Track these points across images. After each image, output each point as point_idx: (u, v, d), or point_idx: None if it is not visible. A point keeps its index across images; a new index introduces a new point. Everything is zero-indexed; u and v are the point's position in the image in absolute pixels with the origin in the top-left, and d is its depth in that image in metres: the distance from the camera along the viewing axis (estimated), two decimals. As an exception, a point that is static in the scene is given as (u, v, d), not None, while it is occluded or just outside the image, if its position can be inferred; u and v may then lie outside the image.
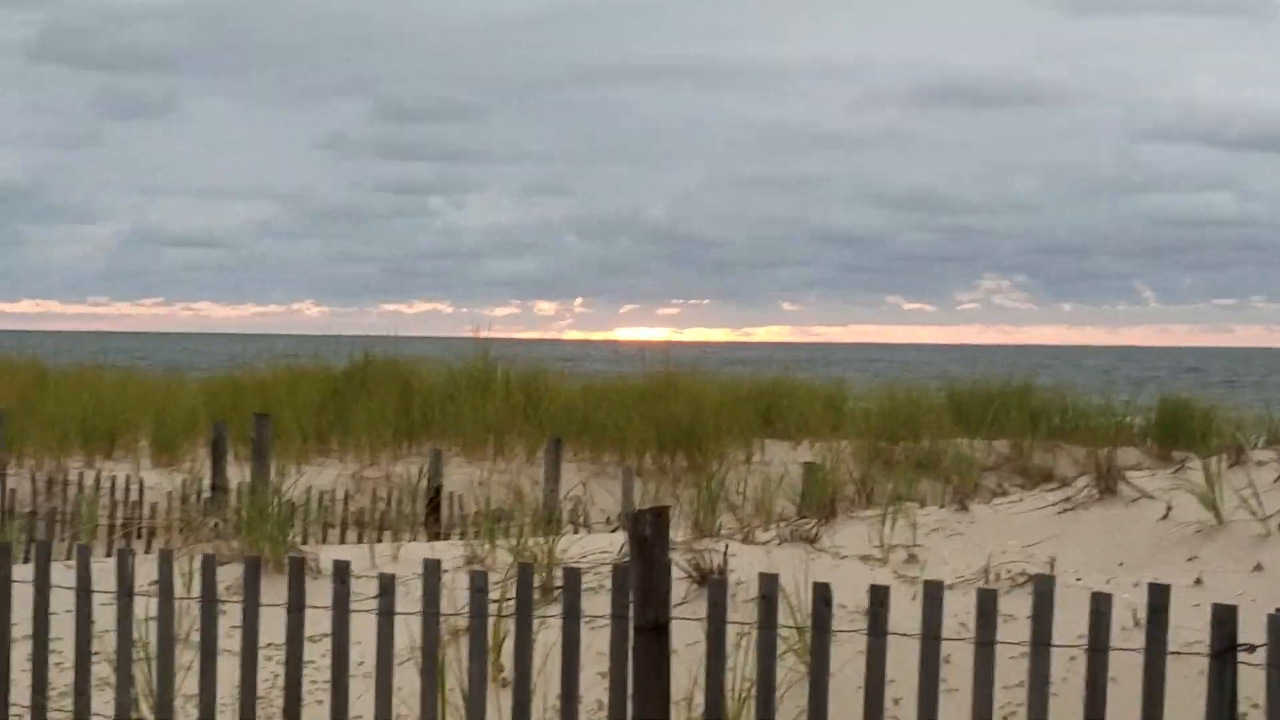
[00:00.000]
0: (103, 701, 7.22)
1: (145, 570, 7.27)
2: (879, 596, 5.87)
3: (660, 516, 6.11)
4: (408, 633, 7.09)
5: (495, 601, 7.59)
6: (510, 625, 7.10)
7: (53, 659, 7.44)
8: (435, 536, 16.20)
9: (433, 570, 6.56)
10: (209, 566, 6.76)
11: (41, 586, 7.14)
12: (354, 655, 7.19)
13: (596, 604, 7.07)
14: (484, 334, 28.31)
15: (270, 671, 7.59)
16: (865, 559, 9.75)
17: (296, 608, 6.53)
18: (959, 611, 7.55)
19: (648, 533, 6.06)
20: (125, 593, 6.89)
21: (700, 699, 6.56)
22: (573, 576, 6.43)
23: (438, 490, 18.15)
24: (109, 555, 7.41)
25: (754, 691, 6.16)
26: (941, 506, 11.62)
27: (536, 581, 7.92)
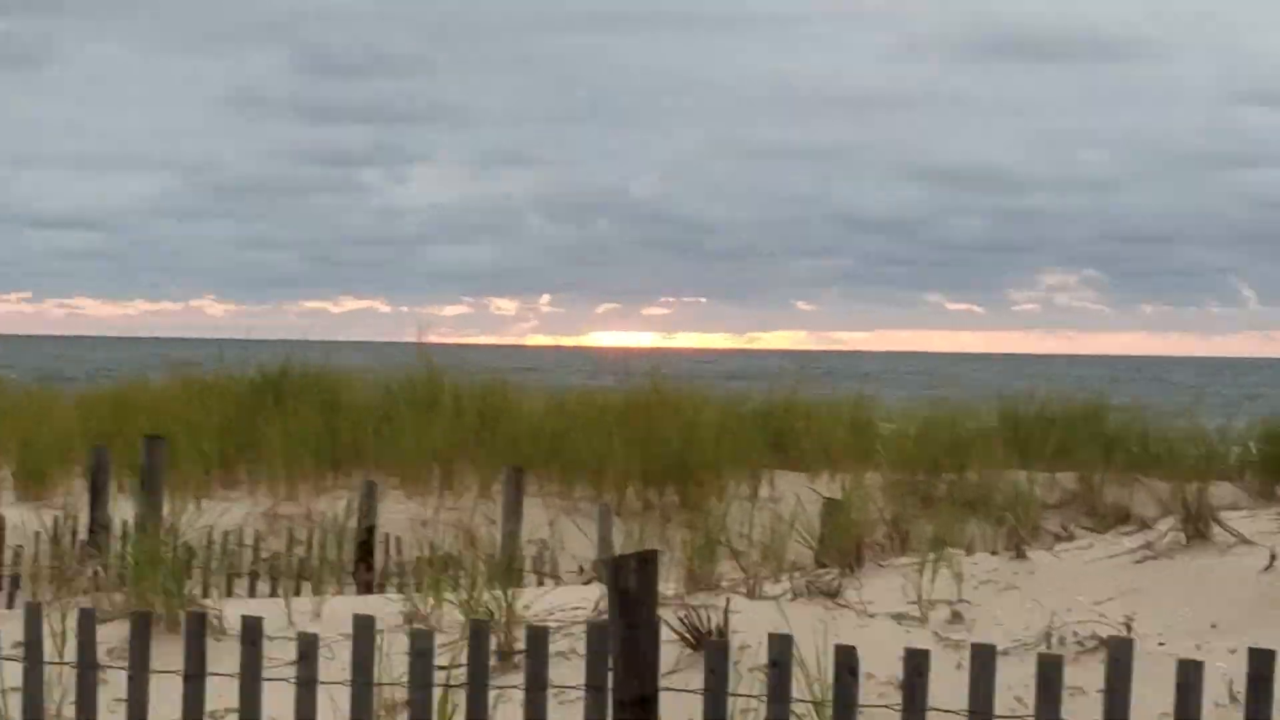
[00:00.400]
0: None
1: (9, 629, 7.33)
2: (917, 664, 5.89)
3: (647, 565, 6.23)
4: (332, 706, 7.06)
5: (443, 668, 7.64)
6: (461, 698, 7.14)
7: None
8: (368, 589, 16.32)
9: (365, 630, 6.50)
10: (87, 624, 6.75)
11: None
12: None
13: (568, 672, 7.14)
14: (429, 339, 28.19)
15: None
16: (899, 618, 10.15)
17: (195, 675, 6.55)
18: (1014, 683, 7.52)
19: (632, 585, 6.22)
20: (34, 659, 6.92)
21: None
22: (539, 638, 6.46)
23: (370, 531, 18.23)
24: None
25: None
26: (994, 553, 11.55)
27: (494, 645, 8.05)
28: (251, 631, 6.86)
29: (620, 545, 17.93)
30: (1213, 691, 7.89)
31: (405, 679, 7.94)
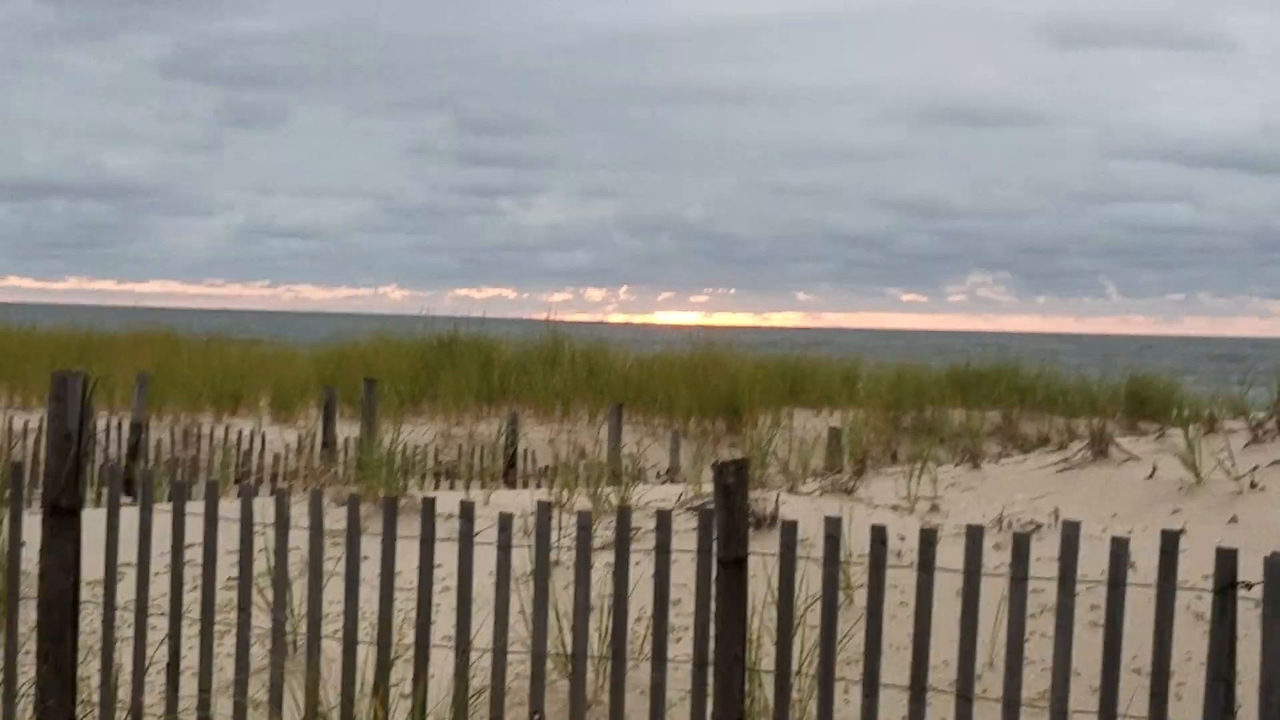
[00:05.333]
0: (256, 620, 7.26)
1: (259, 507, 7.30)
2: (929, 537, 5.93)
3: (742, 468, 6.03)
4: (486, 565, 7.07)
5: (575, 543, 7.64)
6: (596, 559, 7.04)
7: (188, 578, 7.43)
8: (512, 485, 16.30)
9: (545, 511, 6.54)
10: (354, 505, 6.79)
11: (179, 516, 7.06)
12: (448, 582, 7.19)
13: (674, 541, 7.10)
14: (550, 316, 28.47)
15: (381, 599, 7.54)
16: (895, 508, 9.70)
17: (428, 539, 6.45)
18: (959, 557, 7.60)
19: (730, 481, 5.95)
20: (283, 525, 6.89)
21: (756, 622, 6.55)
22: (665, 517, 6.34)
23: (514, 447, 18.43)
24: (239, 496, 7.43)
25: (821, 613, 6.11)
26: (956, 465, 11.47)
27: (609, 524, 7.98)
28: (467, 511, 6.68)
29: (685, 458, 18.17)
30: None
31: (560, 545, 8.12)
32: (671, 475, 17.08)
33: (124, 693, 7.20)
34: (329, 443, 16.97)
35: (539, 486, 15.05)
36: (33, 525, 7.59)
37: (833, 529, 6.00)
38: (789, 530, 6.13)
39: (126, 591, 7.49)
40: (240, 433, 18.96)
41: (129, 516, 7.30)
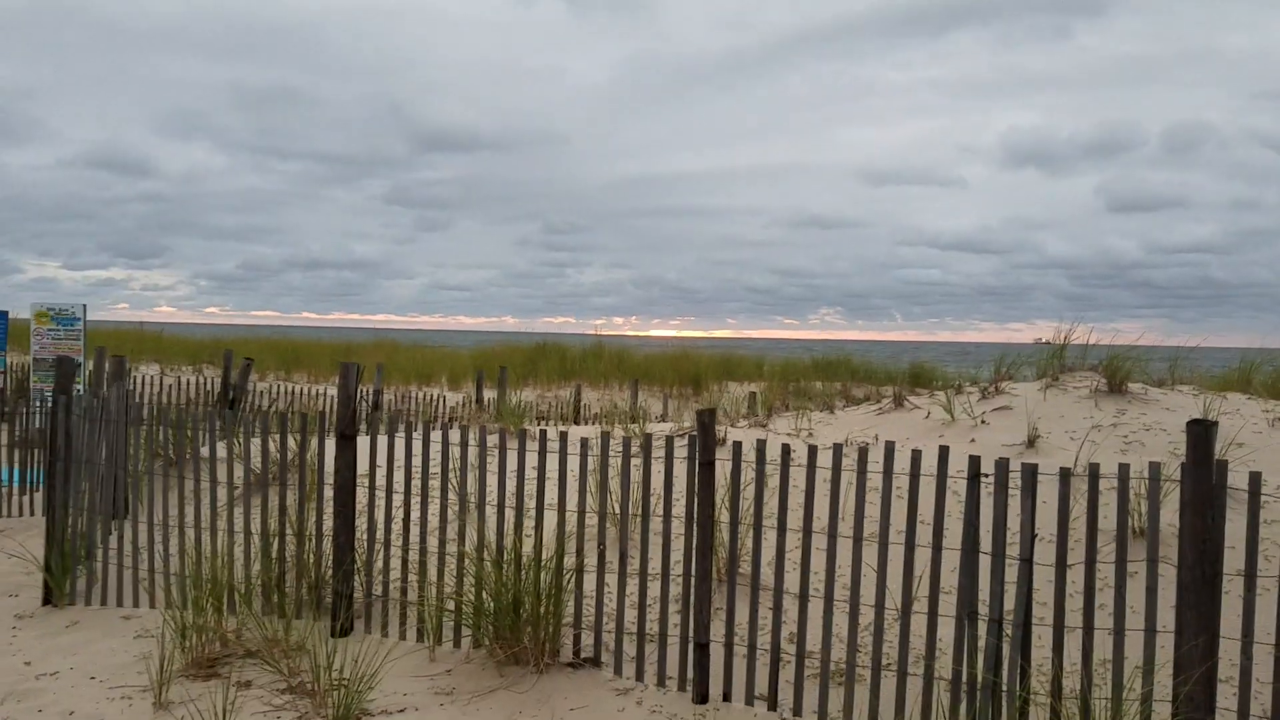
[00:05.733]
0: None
1: (444, 436, 7.01)
2: (812, 451, 6.14)
3: (712, 413, 6.26)
4: (569, 465, 7.41)
5: (621, 453, 7.23)
6: (635, 462, 7.19)
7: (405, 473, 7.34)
8: (578, 424, 17.25)
9: (605, 438, 7.15)
10: (503, 435, 6.85)
11: (390, 438, 7.48)
12: (550, 475, 7.48)
13: (675, 452, 7.26)
14: (596, 333, 31.24)
15: (517, 481, 7.11)
16: (789, 435, 9.73)
17: (539, 452, 7.03)
18: (830, 460, 6.87)
19: (706, 420, 6.19)
20: (464, 445, 6.90)
21: (719, 497, 6.69)
22: (670, 441, 6.52)
23: (578, 403, 19.38)
24: (433, 430, 7.38)
25: (755, 491, 6.17)
26: (820, 411, 11.14)
27: (635, 447, 8.12)
28: (563, 436, 6.61)
29: (671, 410, 19.19)
30: (904, 460, 7.77)
31: (602, 455, 7.83)
32: (663, 418, 18.70)
33: (379, 534, 7.35)
34: (480, 400, 18.28)
35: (592, 424, 15.49)
36: (330, 445, 8.28)
37: (760, 446, 6.23)
38: (736, 448, 6.33)
39: (379, 480, 7.71)
40: (431, 395, 20.41)
41: (380, 441, 7.65)
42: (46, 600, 7.60)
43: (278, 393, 18.96)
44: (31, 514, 10.49)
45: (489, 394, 18.54)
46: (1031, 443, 8.32)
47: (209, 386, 18.20)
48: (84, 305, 14.47)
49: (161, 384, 18.50)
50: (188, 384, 18.41)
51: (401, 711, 5.54)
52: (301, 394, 19.02)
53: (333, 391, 20.41)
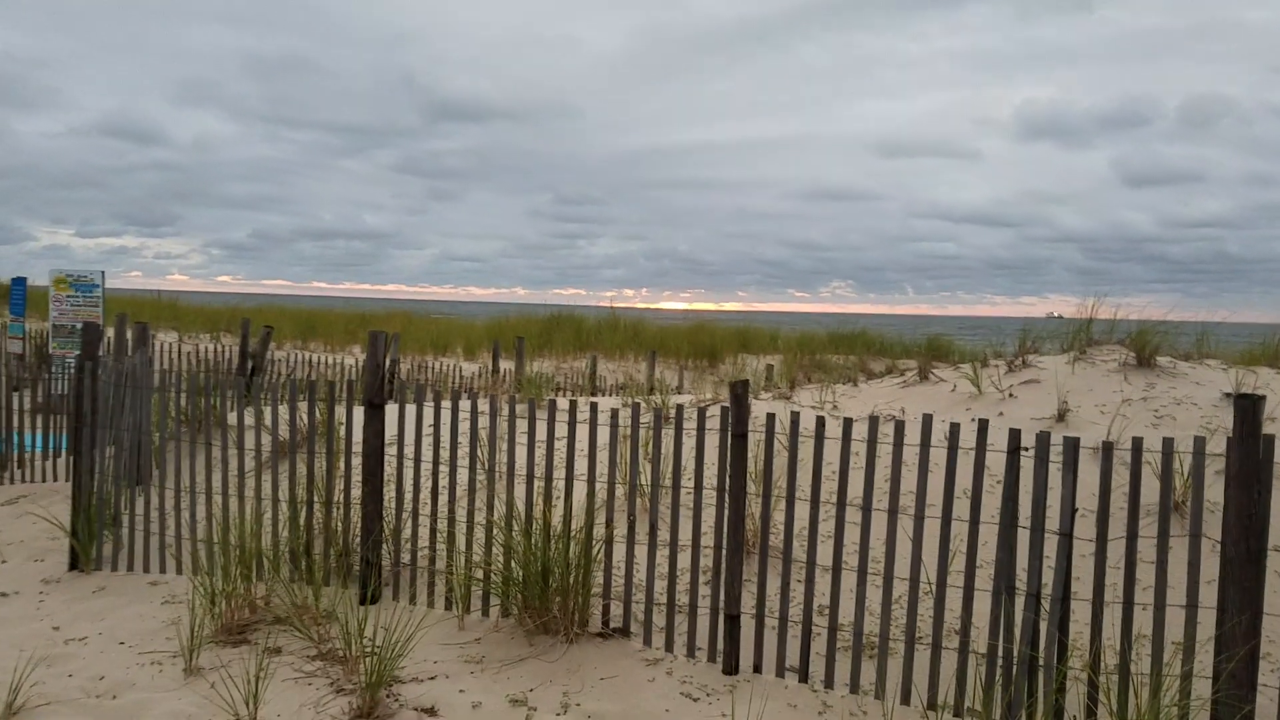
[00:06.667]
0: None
1: (458, 405, 7.54)
2: (848, 424, 6.37)
3: (745, 385, 6.27)
4: (584, 436, 6.98)
5: (645, 425, 7.95)
6: (653, 435, 6.89)
7: (427, 442, 7.55)
8: (594, 395, 17.15)
9: (636, 409, 7.43)
10: (532, 405, 6.91)
11: (418, 407, 7.87)
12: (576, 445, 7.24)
13: (694, 425, 6.76)
14: (610, 304, 31.89)
15: (545, 451, 7.14)
16: (813, 407, 9.76)
17: (565, 422, 7.25)
18: (864, 433, 7.14)
19: (739, 391, 6.20)
20: (493, 414, 6.77)
21: (751, 468, 6.72)
22: (701, 412, 6.48)
23: (594, 374, 19.65)
24: (445, 400, 7.25)
25: (787, 462, 6.28)
26: (844, 384, 11.13)
27: (669, 415, 8.22)
28: (594, 407, 6.54)
29: (688, 382, 18.95)
30: (939, 431, 7.82)
31: (625, 426, 7.68)
32: (679, 389, 18.49)
33: (407, 499, 7.27)
34: (496, 371, 18.45)
35: (609, 396, 15.30)
36: (357, 414, 8.11)
37: (794, 418, 6.26)
38: (770, 419, 6.40)
39: (404, 448, 7.51)
40: (447, 365, 20.62)
41: (408, 410, 7.63)
42: (73, 565, 7.63)
43: (295, 361, 18.96)
44: (55, 479, 10.52)
45: (505, 364, 18.61)
46: (1061, 416, 8.29)
47: (227, 355, 18.15)
48: (102, 272, 14.52)
49: (180, 351, 18.53)
50: (206, 352, 18.41)
51: (432, 679, 5.56)
52: (319, 363, 18.93)
53: (350, 361, 20.20)
